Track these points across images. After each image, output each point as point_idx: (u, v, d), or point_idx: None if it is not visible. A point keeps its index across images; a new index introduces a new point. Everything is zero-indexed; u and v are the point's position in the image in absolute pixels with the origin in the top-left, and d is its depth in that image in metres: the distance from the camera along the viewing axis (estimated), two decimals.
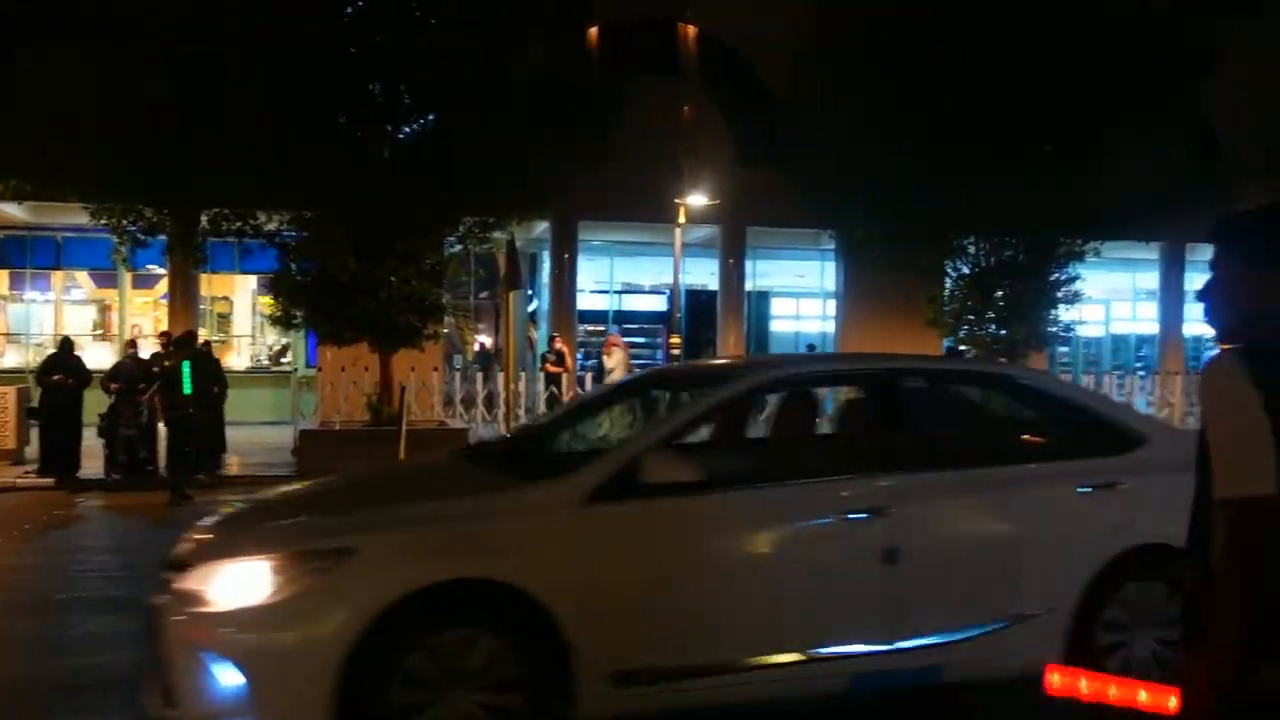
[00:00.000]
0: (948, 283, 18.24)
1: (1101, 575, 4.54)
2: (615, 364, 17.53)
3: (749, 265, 22.80)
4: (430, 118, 14.35)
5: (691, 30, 21.11)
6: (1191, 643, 2.02)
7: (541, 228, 21.71)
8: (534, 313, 25.00)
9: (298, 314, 14.50)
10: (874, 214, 17.11)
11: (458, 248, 16.04)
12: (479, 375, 18.32)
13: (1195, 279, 25.41)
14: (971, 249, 17.70)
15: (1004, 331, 17.62)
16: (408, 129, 14.48)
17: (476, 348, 25.89)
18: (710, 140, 19.67)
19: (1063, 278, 17.76)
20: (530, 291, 24.46)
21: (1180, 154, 17.27)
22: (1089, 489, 4.68)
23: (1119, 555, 4.57)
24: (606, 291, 25.20)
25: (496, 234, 15.58)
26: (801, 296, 26.48)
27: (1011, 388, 5.67)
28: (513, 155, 13.18)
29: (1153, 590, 4.59)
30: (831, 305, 23.69)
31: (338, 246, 13.49)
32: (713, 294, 23.17)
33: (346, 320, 13.96)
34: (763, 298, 26.11)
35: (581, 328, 23.22)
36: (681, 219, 17.25)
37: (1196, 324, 26.68)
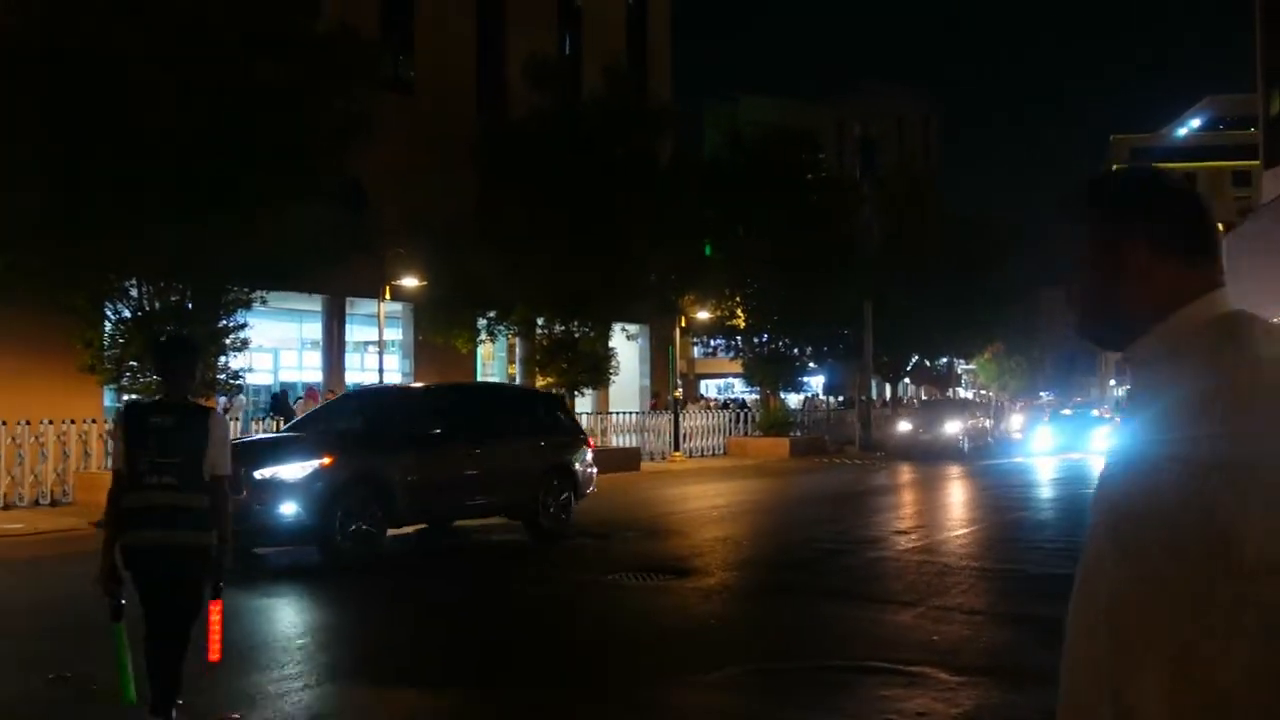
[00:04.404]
0: (108, 326, 16.92)
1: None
2: None
3: None
4: None
5: None
6: None
7: None
8: None
9: None
10: (10, 248, 15.18)
11: None
12: None
13: (355, 330, 27.40)
14: (134, 291, 16.69)
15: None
16: None
17: None
18: None
19: (231, 325, 17.66)
20: None
21: (339, 213, 18.41)
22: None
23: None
24: None
25: None
26: None
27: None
28: None
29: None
30: None
31: None
32: None
33: None
34: None
35: None
36: None
37: (357, 373, 28.72)
